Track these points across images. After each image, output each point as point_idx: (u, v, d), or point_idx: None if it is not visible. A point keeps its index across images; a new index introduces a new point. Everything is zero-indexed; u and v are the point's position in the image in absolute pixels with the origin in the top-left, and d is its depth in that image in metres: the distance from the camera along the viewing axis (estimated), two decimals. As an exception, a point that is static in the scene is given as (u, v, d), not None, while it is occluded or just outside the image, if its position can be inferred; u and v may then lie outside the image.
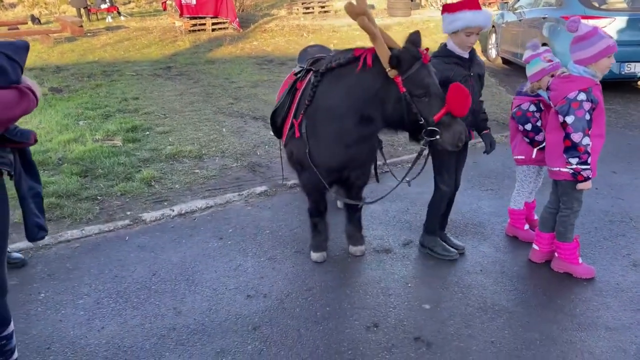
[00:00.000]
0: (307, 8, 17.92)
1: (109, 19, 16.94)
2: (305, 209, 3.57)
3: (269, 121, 3.43)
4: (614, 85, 7.29)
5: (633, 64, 6.75)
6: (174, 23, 14.54)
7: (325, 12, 18.09)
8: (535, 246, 3.27)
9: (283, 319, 2.78)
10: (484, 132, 3.16)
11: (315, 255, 3.31)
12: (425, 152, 2.84)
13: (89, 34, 13.78)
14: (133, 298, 2.98)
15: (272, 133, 3.47)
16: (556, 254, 3.16)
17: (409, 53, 2.57)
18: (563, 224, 3.07)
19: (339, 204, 4.06)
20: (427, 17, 15.21)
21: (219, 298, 2.98)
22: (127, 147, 5.41)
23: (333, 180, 2.99)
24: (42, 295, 2.99)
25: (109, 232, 3.76)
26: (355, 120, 2.75)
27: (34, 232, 2.06)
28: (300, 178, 3.18)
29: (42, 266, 3.29)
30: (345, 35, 13.50)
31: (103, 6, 17.18)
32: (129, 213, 4.03)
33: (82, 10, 17.09)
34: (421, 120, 2.61)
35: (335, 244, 3.53)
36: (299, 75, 3.18)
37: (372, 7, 18.24)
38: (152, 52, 11.66)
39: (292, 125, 2.99)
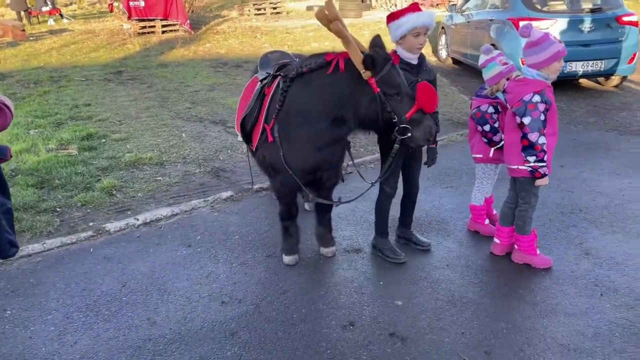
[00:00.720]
0: (259, 9, 17.87)
1: (51, 22, 16.30)
2: (273, 213, 3.60)
3: (232, 126, 3.45)
4: (557, 83, 7.69)
5: (574, 63, 7.15)
6: (122, 25, 14.17)
7: (277, 13, 18.10)
8: (496, 240, 3.44)
9: (260, 323, 2.81)
10: (432, 146, 3.27)
11: (287, 259, 3.35)
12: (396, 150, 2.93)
13: (31, 38, 13.23)
14: (104, 311, 2.92)
15: (239, 139, 3.48)
16: (516, 247, 3.34)
17: (381, 55, 2.68)
18: (522, 218, 3.25)
19: (307, 206, 4.12)
20: (377, 19, 15.50)
21: (193, 306, 2.97)
22: (84, 155, 5.26)
23: (306, 182, 3.04)
24: (8, 312, 2.89)
25: (71, 244, 3.66)
26: (329, 122, 2.82)
27: (6, 248, 2.01)
28: (273, 182, 3.22)
29: (4, 282, 3.17)
30: (299, 36, 13.57)
31: (45, 9, 16.52)
32: (91, 224, 3.94)
33: (23, 14, 16.37)
34: (394, 119, 2.73)
35: (306, 247, 3.58)
36: (265, 81, 3.21)
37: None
38: (100, 56, 11.33)
39: (264, 130, 3.02)
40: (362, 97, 2.75)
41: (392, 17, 3.01)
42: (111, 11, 15.66)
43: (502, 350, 2.57)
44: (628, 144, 5.58)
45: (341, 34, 2.66)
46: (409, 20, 2.91)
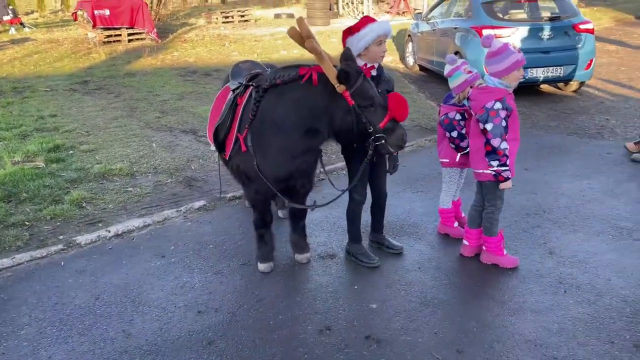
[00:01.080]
0: (227, 17, 17.83)
1: (12, 31, 15.88)
2: (247, 222, 3.63)
3: (203, 135, 3.47)
4: (520, 89, 7.95)
5: (534, 69, 7.42)
6: (87, 34, 13.93)
7: (245, 21, 18.09)
8: (465, 242, 3.55)
9: (237, 331, 2.83)
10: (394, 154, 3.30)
11: (262, 266, 3.38)
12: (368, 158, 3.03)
13: (-8, 48, 12.85)
14: (78, 324, 2.89)
15: (212, 148, 3.50)
16: (484, 248, 3.46)
17: (353, 69, 2.78)
18: (489, 220, 3.37)
19: (281, 213, 4.16)
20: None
21: (169, 317, 2.97)
22: (51, 168, 5.16)
23: (280, 190, 3.09)
24: (-21, 330, 2.82)
25: (42, 258, 3.60)
26: (302, 133, 2.89)
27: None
28: (247, 190, 3.26)
29: (-27, 300, 3.10)
30: (268, 44, 13.61)
31: (5, 18, 16.10)
32: (61, 237, 3.88)
33: (-18, 22, 15.91)
34: (370, 129, 2.83)
35: (281, 254, 3.62)
36: (237, 90, 3.25)
37: (292, 15, 18.46)
38: (65, 65, 11.11)
39: (237, 139, 3.05)
40: (337, 110, 2.84)
41: (350, 31, 3.08)
42: (75, 20, 15.35)
43: (473, 348, 2.66)
44: (587, 146, 5.83)
45: (315, 51, 2.75)
46: (372, 30, 3.00)
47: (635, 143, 5.39)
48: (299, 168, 3.03)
